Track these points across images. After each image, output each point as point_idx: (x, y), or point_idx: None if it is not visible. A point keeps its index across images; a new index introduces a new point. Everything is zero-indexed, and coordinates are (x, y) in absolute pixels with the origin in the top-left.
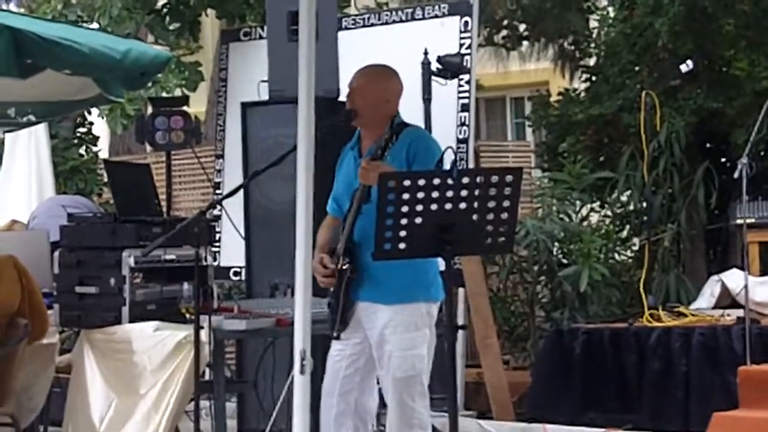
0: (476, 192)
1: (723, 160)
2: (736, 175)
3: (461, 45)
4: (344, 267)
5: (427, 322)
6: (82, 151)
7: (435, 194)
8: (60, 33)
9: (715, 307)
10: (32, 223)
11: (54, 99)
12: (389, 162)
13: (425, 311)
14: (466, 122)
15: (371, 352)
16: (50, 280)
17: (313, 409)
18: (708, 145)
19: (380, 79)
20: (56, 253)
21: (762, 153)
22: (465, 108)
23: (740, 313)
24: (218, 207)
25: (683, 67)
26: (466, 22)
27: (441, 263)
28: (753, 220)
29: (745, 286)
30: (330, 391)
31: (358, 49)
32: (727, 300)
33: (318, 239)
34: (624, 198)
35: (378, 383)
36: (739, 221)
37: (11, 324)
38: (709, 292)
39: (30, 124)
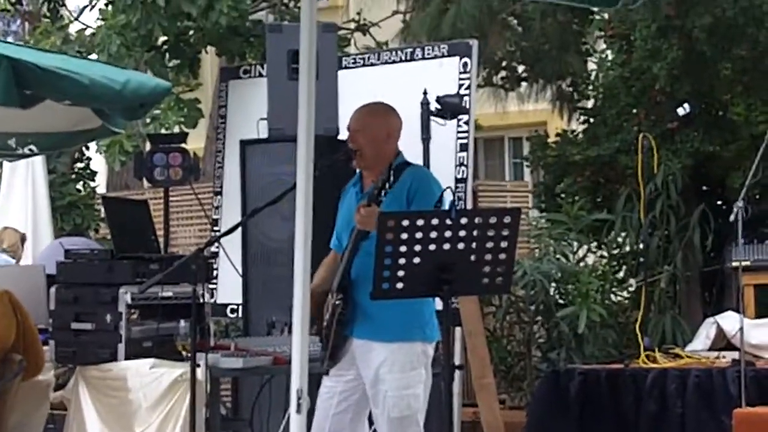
0: (474, 232)
1: (719, 202)
2: (731, 218)
3: (460, 85)
4: (336, 302)
5: (423, 362)
6: (79, 186)
7: (433, 234)
8: (59, 64)
9: (710, 349)
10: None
11: (55, 130)
12: (388, 203)
13: (421, 351)
14: (465, 162)
15: (364, 390)
16: (46, 315)
17: None
18: (704, 187)
19: (380, 115)
20: (52, 289)
21: (758, 196)
22: (464, 148)
23: (735, 355)
24: (216, 244)
25: (680, 111)
26: (466, 63)
27: (437, 303)
28: (748, 263)
29: (741, 329)
30: (320, 429)
31: (357, 89)
32: (722, 342)
33: (315, 275)
34: (621, 239)
35: (371, 422)
36: (734, 264)
37: (6, 360)
38: (705, 334)
39: (31, 154)
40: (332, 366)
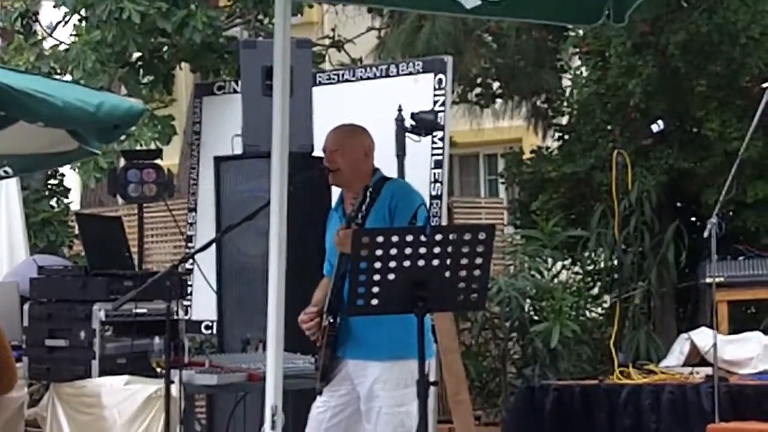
0: (449, 249)
1: (693, 219)
2: (705, 234)
3: (435, 102)
4: (326, 324)
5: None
6: (53, 203)
7: (408, 251)
8: (32, 85)
9: (684, 365)
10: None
11: (30, 152)
12: (372, 221)
13: (415, 368)
14: (440, 179)
15: (358, 406)
16: (19, 332)
17: None
18: (678, 204)
19: (356, 135)
20: (26, 306)
21: (732, 213)
22: (438, 165)
23: (709, 371)
24: (190, 261)
25: (654, 127)
26: (440, 80)
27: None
28: (722, 280)
29: (714, 345)
30: None
31: (332, 105)
32: (696, 358)
33: (313, 299)
34: (595, 256)
35: None
36: (708, 280)
37: None
38: (679, 350)
39: (6, 176)
40: (324, 386)
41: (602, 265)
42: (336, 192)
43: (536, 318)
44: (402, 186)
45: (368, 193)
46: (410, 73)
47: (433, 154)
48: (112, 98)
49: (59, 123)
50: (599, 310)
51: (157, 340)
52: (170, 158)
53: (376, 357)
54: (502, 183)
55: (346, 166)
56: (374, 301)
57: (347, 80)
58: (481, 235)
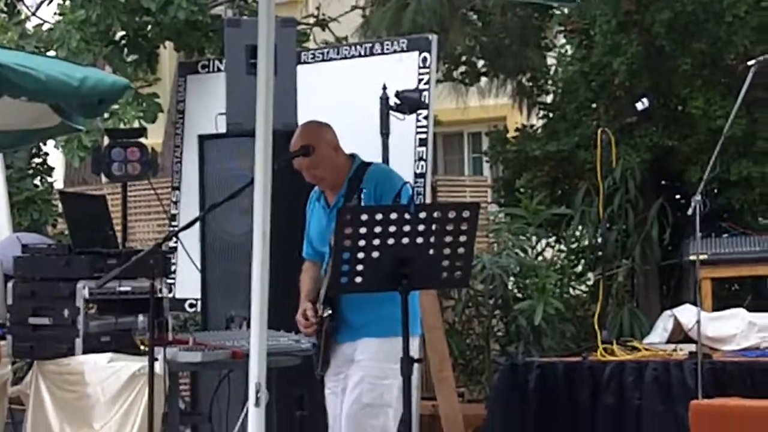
0: (433, 227)
1: (677, 197)
2: (689, 212)
3: (420, 80)
4: (325, 315)
5: None
6: (37, 181)
7: (392, 229)
8: (15, 59)
9: (668, 342)
10: None
11: (12, 128)
12: None
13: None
14: (424, 157)
15: None
16: (3, 310)
17: None
18: (662, 182)
19: (319, 137)
20: (9, 284)
21: (715, 191)
22: (423, 143)
23: (693, 348)
24: (174, 239)
25: (638, 105)
26: (425, 58)
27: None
28: (706, 257)
29: (698, 322)
30: (335, 428)
31: (316, 84)
32: (679, 335)
33: (302, 287)
34: (579, 233)
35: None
36: (692, 258)
37: None
38: (662, 327)
39: None
40: (326, 369)
41: (586, 242)
42: None
43: (520, 296)
44: (384, 171)
45: (350, 183)
46: (395, 52)
47: (417, 133)
48: (96, 73)
49: (42, 97)
50: (583, 287)
51: (141, 318)
52: (154, 137)
53: (364, 335)
54: (487, 161)
55: (326, 171)
56: (358, 279)
57: (331, 59)
58: (465, 213)
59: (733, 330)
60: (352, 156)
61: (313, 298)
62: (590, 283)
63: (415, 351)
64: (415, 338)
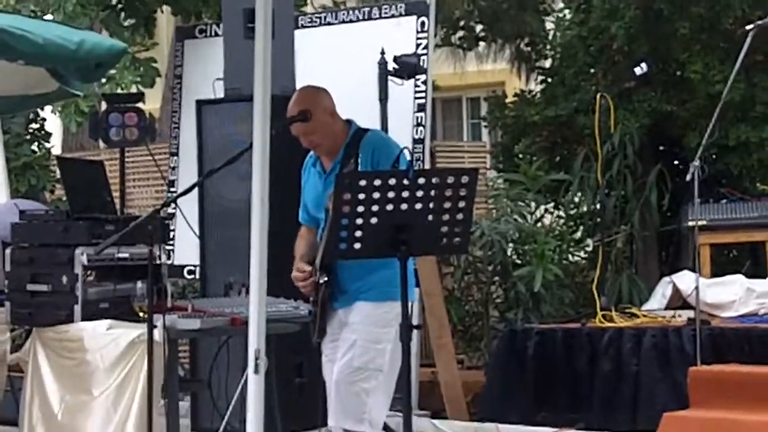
0: (432, 193)
1: (676, 162)
2: (688, 177)
3: (418, 45)
4: (321, 282)
5: (397, 321)
6: (34, 147)
7: (391, 194)
8: (12, 23)
9: (666, 308)
10: None
11: (10, 93)
12: None
13: (398, 311)
14: (422, 122)
15: None
16: (1, 277)
17: (267, 408)
18: (661, 147)
19: (315, 102)
20: (8, 251)
21: (714, 156)
22: (421, 108)
23: (691, 314)
24: (172, 205)
25: (637, 70)
26: (423, 23)
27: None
28: (704, 223)
29: (696, 288)
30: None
31: (314, 48)
32: (678, 301)
33: (296, 251)
34: (578, 199)
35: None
36: (691, 223)
37: None
38: (661, 294)
39: None
40: (323, 337)
41: (585, 208)
42: None
43: (519, 262)
44: (381, 138)
45: (346, 150)
46: (393, 16)
47: (415, 98)
48: (93, 36)
49: (40, 60)
50: (582, 253)
51: (139, 284)
52: (152, 102)
53: (359, 299)
54: (485, 127)
55: (322, 137)
56: (357, 245)
57: (329, 23)
58: (464, 179)
59: (732, 296)
60: (349, 122)
61: (307, 261)
62: (589, 249)
63: (396, 315)
64: (409, 303)
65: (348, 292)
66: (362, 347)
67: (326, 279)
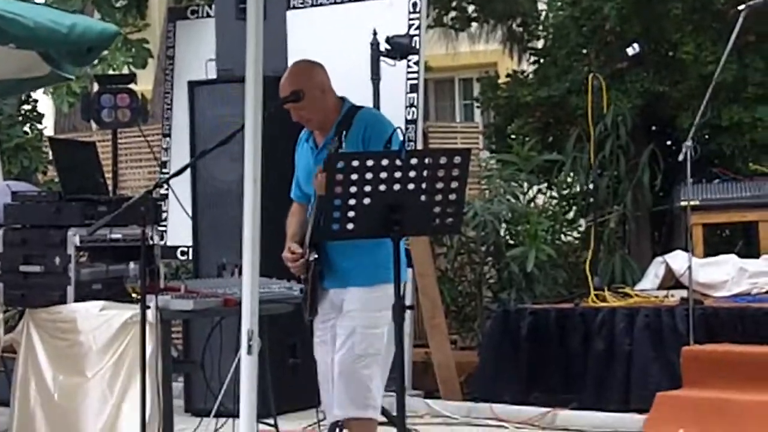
0: (425, 173)
1: (668, 143)
2: (680, 157)
3: (410, 26)
4: (311, 260)
5: (391, 304)
6: (26, 128)
7: (383, 175)
8: (3, 6)
9: (659, 288)
10: None
11: (4, 77)
12: (347, 149)
13: (390, 293)
14: (415, 103)
15: None
16: None
17: (260, 389)
18: (653, 128)
19: (308, 77)
20: (0, 232)
21: (706, 136)
22: (414, 89)
23: (684, 294)
24: (165, 186)
25: (629, 50)
26: (415, 3)
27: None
28: (697, 203)
29: (689, 268)
30: (324, 375)
31: (306, 29)
32: (671, 281)
33: (287, 229)
34: (571, 179)
35: None
36: (683, 203)
37: None
38: (654, 273)
39: None
40: (314, 316)
41: (577, 189)
42: None
43: (512, 242)
44: (374, 115)
45: (338, 128)
46: None
47: (408, 79)
48: (85, 20)
49: (31, 44)
50: (575, 234)
51: (132, 265)
52: (144, 83)
53: (352, 283)
54: (478, 107)
55: (312, 113)
56: (349, 226)
57: (321, 4)
58: (457, 159)
59: (725, 276)
60: (343, 99)
61: (298, 240)
62: (582, 229)
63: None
64: (401, 284)
65: (338, 271)
66: (361, 334)
67: (316, 257)
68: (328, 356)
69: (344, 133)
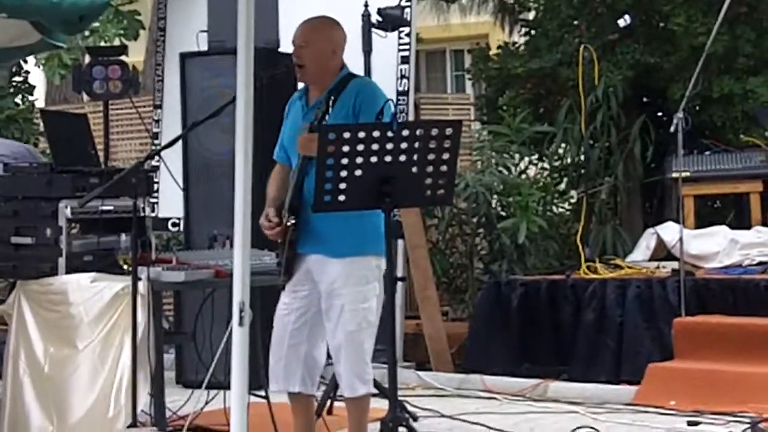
0: (416, 144)
1: (659, 114)
2: (672, 129)
3: None
4: (289, 224)
5: (377, 276)
6: (18, 100)
7: (375, 147)
8: None
9: (650, 260)
10: None
11: None
12: (335, 116)
13: (375, 265)
14: (406, 75)
15: (319, 305)
16: None
17: (252, 361)
18: (645, 99)
19: (324, 30)
20: None
21: (697, 108)
22: (405, 60)
23: (675, 265)
24: (156, 158)
25: (621, 22)
26: None
27: None
28: (688, 174)
29: (680, 239)
30: (279, 343)
31: (298, 0)
32: (662, 252)
33: (268, 192)
34: (562, 151)
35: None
36: (674, 175)
37: None
38: (645, 245)
39: None
40: (287, 281)
41: (569, 160)
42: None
43: (503, 214)
44: (368, 84)
45: (330, 92)
46: None
47: (399, 50)
48: None
49: (23, 14)
50: (566, 205)
51: (123, 237)
52: (135, 55)
53: (336, 254)
54: (469, 79)
55: (311, 62)
56: (341, 198)
57: None
58: (448, 131)
59: (716, 247)
60: (344, 65)
61: (278, 205)
62: (573, 200)
63: (383, 269)
64: (380, 258)
65: (317, 238)
66: (351, 311)
67: (294, 221)
68: (288, 326)
69: (334, 98)
